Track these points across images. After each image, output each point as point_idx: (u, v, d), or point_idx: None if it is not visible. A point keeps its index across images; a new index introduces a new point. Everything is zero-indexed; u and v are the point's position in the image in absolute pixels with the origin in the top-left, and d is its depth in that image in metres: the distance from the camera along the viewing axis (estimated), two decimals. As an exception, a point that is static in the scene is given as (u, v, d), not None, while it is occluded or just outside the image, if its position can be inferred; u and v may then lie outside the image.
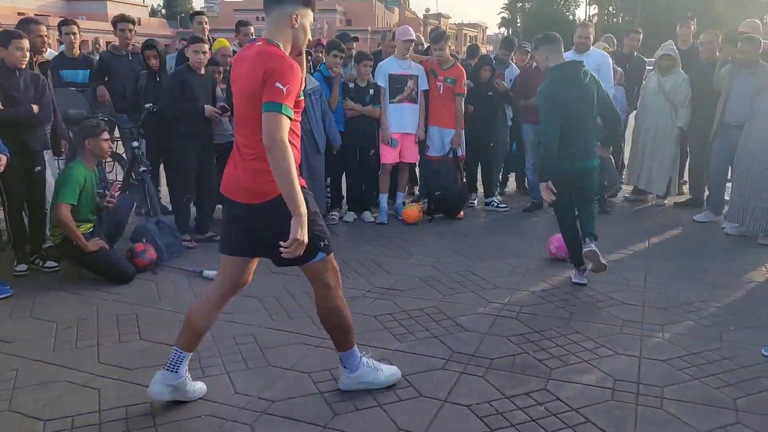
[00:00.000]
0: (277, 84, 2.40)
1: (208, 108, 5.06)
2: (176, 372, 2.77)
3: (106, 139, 4.53)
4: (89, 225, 4.53)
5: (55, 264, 4.61)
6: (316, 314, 2.87)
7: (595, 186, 4.51)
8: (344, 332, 2.91)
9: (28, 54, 4.36)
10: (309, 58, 5.84)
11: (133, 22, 6.04)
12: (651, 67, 7.16)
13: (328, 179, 6.08)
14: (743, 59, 5.67)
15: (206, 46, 5.23)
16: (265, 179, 2.51)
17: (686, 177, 7.12)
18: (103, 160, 5.83)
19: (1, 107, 4.22)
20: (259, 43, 2.58)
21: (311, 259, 2.66)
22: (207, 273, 4.52)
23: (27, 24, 4.84)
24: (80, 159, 4.47)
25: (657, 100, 6.47)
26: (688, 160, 6.93)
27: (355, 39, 6.74)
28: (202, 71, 5.17)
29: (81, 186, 4.35)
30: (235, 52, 6.35)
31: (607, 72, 6.24)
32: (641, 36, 7.51)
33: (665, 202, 6.85)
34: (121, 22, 5.88)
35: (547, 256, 4.99)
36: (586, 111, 4.23)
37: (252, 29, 6.59)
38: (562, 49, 4.46)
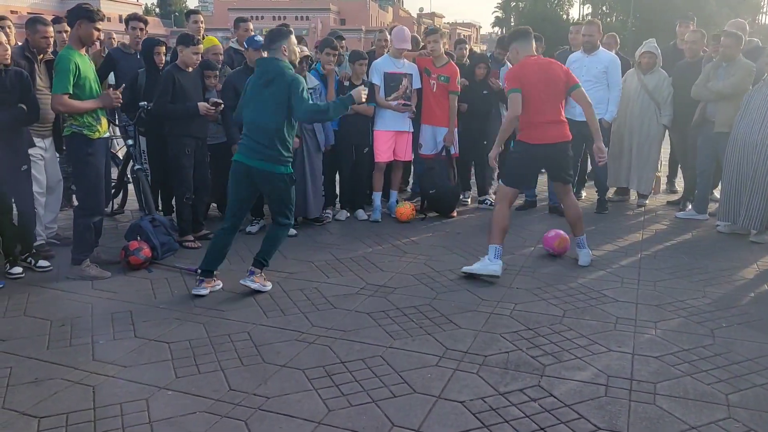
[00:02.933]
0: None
1: (201, 105, 5.06)
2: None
3: (98, 29, 4.36)
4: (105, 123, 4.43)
5: (48, 264, 4.56)
6: (311, 311, 2.88)
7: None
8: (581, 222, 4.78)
9: (8, 49, 4.25)
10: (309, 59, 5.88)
11: (145, 22, 6.02)
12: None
13: (322, 177, 6.09)
14: (725, 53, 5.74)
15: (201, 48, 5.27)
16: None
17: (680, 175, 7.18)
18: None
19: None
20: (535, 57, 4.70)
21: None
22: (202, 271, 4.52)
23: (34, 24, 4.75)
24: (69, 46, 4.29)
25: (640, 99, 6.48)
26: (678, 159, 7.00)
27: (341, 38, 6.72)
28: (190, 69, 5.17)
29: (74, 72, 4.17)
30: (233, 49, 6.35)
31: (616, 74, 6.22)
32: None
33: (646, 202, 6.87)
34: (133, 20, 5.88)
35: (549, 251, 5.10)
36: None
37: (251, 26, 6.59)
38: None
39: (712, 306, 4.01)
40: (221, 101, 5.19)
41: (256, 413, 2.75)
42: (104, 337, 3.52)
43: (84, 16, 4.22)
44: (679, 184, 7.32)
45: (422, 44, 6.77)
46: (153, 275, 4.54)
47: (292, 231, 5.62)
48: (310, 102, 4.02)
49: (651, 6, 43.85)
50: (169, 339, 3.48)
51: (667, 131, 6.85)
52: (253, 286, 4.14)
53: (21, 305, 3.96)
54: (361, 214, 6.24)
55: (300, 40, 7.69)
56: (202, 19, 6.48)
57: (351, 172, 6.25)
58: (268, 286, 4.23)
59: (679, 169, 7.21)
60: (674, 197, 7.08)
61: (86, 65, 4.31)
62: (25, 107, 4.31)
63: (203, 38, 6.19)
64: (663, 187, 7.57)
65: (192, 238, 5.26)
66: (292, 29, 4.30)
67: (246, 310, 3.91)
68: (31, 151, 4.59)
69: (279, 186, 4.07)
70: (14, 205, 4.54)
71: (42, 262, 4.56)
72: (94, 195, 4.40)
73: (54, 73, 4.23)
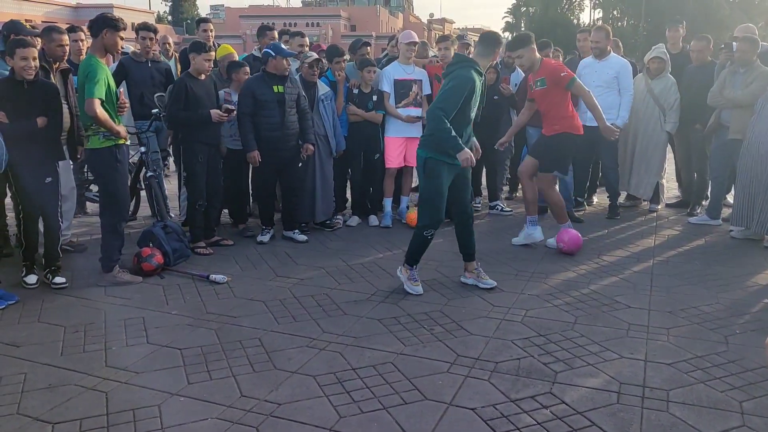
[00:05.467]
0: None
1: (214, 112, 5.09)
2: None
3: (122, 38, 4.40)
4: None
5: (63, 280, 4.43)
6: (322, 317, 2.89)
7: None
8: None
9: (35, 64, 4.19)
10: (320, 63, 5.91)
11: (155, 31, 6.08)
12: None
13: (333, 183, 6.11)
14: (741, 58, 5.71)
15: (213, 55, 5.29)
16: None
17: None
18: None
19: (6, 121, 4.06)
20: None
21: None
22: (214, 277, 4.55)
23: (50, 32, 4.75)
24: (93, 55, 4.26)
25: (646, 103, 6.44)
26: (675, 162, 7.00)
27: (367, 44, 6.74)
28: (203, 77, 5.20)
29: (106, 81, 4.23)
30: (254, 56, 6.38)
31: (627, 79, 6.20)
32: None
33: (658, 207, 6.83)
34: (143, 30, 5.95)
35: (559, 249, 5.26)
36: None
37: (275, 34, 6.63)
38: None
39: (726, 312, 3.98)
40: (234, 108, 5.22)
41: (267, 419, 2.76)
42: (117, 343, 3.55)
43: (109, 26, 4.26)
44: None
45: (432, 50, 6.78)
46: (165, 281, 4.56)
47: (303, 237, 5.65)
48: (441, 110, 4.02)
49: (662, 10, 43.61)
50: (181, 345, 3.50)
51: None
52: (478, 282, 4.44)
53: (35, 311, 4.00)
54: (373, 219, 6.25)
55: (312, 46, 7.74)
56: (212, 27, 6.53)
57: (362, 178, 6.27)
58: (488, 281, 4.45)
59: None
60: (672, 200, 7.09)
61: (110, 74, 4.37)
62: (40, 120, 4.20)
63: (215, 46, 6.25)
64: (668, 194, 7.45)
65: (204, 245, 5.29)
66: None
67: (257, 316, 3.92)
68: None
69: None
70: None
71: (58, 279, 4.43)
72: (123, 201, 4.50)
73: (86, 79, 4.21)
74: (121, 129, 4.37)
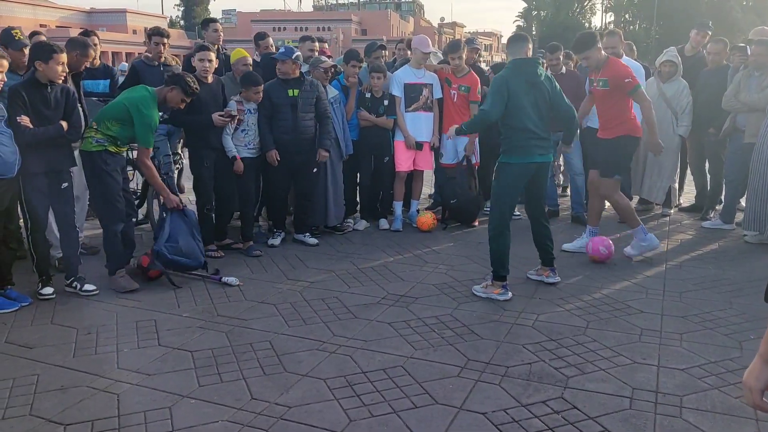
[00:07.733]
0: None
1: (215, 116, 5.05)
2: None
3: (186, 101, 4.68)
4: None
5: (94, 288, 4.37)
6: (332, 320, 2.88)
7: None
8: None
9: (66, 69, 4.21)
10: (334, 69, 5.92)
11: (167, 36, 6.13)
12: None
13: (343, 186, 6.11)
14: (756, 61, 5.67)
15: (212, 55, 5.17)
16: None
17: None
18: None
19: (30, 126, 3.99)
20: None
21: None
22: (226, 279, 4.56)
23: (85, 47, 4.71)
24: (156, 103, 4.53)
25: (658, 107, 6.38)
26: (688, 166, 6.95)
27: (383, 47, 6.73)
28: (210, 79, 5.17)
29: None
30: (255, 61, 6.41)
31: (639, 82, 6.17)
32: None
33: (671, 211, 6.78)
34: (155, 35, 6.01)
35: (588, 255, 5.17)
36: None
37: (271, 41, 6.63)
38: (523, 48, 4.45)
39: (740, 317, 3.93)
40: (236, 113, 5.16)
41: (277, 422, 2.76)
42: (129, 345, 3.57)
43: (178, 85, 4.57)
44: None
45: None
46: (177, 284, 4.57)
47: (314, 240, 5.65)
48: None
49: (674, 13, 43.41)
50: (192, 347, 3.51)
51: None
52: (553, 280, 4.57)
53: (48, 313, 4.03)
54: (383, 223, 6.25)
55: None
56: (220, 27, 6.52)
57: (372, 182, 6.27)
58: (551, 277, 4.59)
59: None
60: (685, 204, 7.04)
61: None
62: (65, 124, 4.18)
63: (223, 48, 6.26)
64: (681, 200, 7.38)
65: (215, 247, 5.30)
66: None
67: (268, 319, 3.93)
68: None
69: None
70: (54, 225, 4.50)
71: (88, 287, 4.36)
72: (111, 204, 4.40)
73: (146, 123, 4.46)
74: (174, 198, 4.73)
